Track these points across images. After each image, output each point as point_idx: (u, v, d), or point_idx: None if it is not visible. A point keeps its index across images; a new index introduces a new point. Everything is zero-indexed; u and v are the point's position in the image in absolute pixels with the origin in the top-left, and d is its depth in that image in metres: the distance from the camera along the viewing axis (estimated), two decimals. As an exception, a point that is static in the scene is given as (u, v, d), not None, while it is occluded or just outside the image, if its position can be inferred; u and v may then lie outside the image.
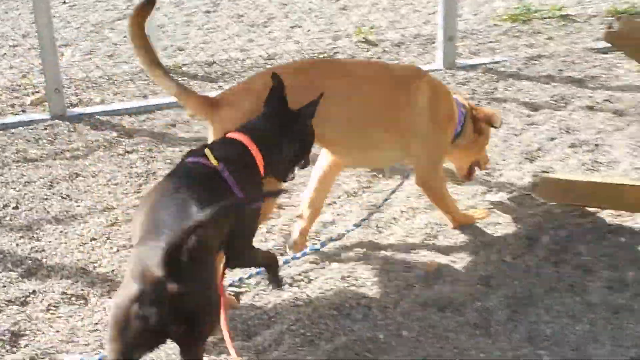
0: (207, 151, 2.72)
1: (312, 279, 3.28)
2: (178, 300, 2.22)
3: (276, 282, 2.91)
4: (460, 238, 3.48)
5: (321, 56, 5.76)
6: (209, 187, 2.59)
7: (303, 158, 3.00)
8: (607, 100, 4.75)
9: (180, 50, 6.22)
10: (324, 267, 3.36)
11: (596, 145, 4.21)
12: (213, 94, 5.08)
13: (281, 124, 2.89)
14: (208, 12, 7.18)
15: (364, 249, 3.45)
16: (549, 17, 6.24)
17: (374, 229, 3.60)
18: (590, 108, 4.66)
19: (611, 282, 3.11)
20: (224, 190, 2.63)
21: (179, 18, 7.04)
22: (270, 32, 6.53)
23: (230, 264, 2.78)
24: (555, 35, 5.91)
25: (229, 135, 2.84)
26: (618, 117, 4.51)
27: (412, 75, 3.39)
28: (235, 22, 6.85)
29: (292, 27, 6.59)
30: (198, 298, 2.31)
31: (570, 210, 3.58)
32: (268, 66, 5.60)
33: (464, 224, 3.55)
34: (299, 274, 3.30)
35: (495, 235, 3.48)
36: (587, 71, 5.18)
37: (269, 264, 2.88)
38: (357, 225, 3.57)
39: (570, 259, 3.26)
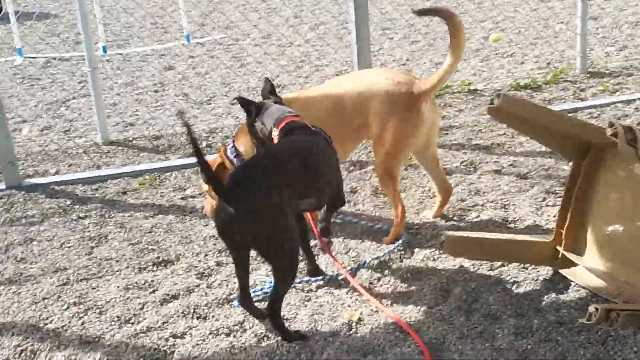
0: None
1: (246, 329, 3.25)
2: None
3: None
4: (380, 290, 3.51)
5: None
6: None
7: None
8: (511, 165, 4.86)
9: (131, 126, 6.22)
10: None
11: (503, 205, 4.29)
12: (160, 164, 5.15)
13: None
14: (156, 91, 7.22)
15: (295, 299, 3.45)
16: (459, 92, 6.42)
17: (305, 282, 3.60)
18: (497, 172, 4.77)
19: (518, 328, 3.12)
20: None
21: (130, 97, 7.06)
22: (212, 109, 6.58)
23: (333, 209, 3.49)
24: (464, 108, 6.08)
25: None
26: (522, 180, 4.62)
27: None
28: (181, 100, 6.89)
29: (232, 104, 6.66)
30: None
31: (480, 264, 3.63)
32: (210, 139, 5.64)
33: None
34: (235, 324, 3.28)
35: (412, 287, 3.51)
36: (494, 139, 5.31)
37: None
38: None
39: (480, 308, 3.28)
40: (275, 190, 2.99)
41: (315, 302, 3.44)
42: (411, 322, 3.22)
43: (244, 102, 3.49)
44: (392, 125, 3.80)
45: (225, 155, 3.86)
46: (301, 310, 3.37)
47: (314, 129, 3.37)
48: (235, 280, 3.43)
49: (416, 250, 3.85)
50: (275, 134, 3.35)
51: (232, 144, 3.89)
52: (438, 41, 8.26)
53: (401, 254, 3.80)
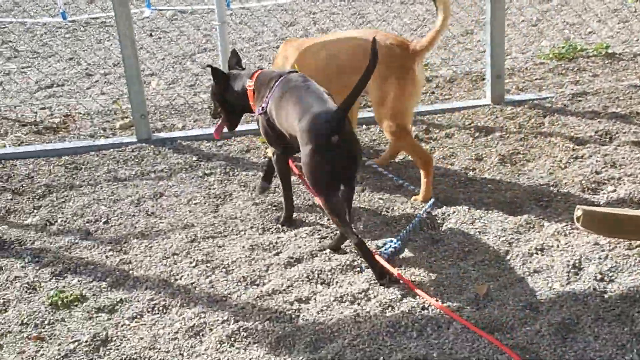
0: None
1: (371, 297, 3.24)
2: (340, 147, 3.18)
3: None
4: (509, 264, 3.41)
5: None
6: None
7: None
8: (652, 136, 4.59)
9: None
10: (382, 286, 3.32)
11: (642, 179, 4.06)
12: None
13: None
14: (278, 47, 7.22)
15: (420, 270, 3.40)
16: (594, 56, 6.09)
17: (428, 251, 3.55)
18: (636, 143, 4.50)
19: (660, 314, 2.96)
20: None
21: (253, 52, 7.11)
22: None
23: None
24: (600, 73, 5.77)
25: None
26: (664, 153, 4.35)
27: None
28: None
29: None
30: (352, 146, 3.26)
31: (617, 242, 3.46)
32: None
33: None
34: (360, 292, 3.26)
35: (542, 263, 3.38)
36: (633, 107, 5.02)
37: None
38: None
39: (617, 289, 3.12)
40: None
41: (441, 273, 3.38)
42: (540, 300, 3.11)
43: (214, 71, 3.80)
44: (392, 85, 3.90)
45: None
46: (426, 281, 3.31)
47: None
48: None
49: (546, 224, 3.70)
50: (250, 83, 3.72)
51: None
52: (571, 0, 7.85)
53: (530, 227, 3.68)
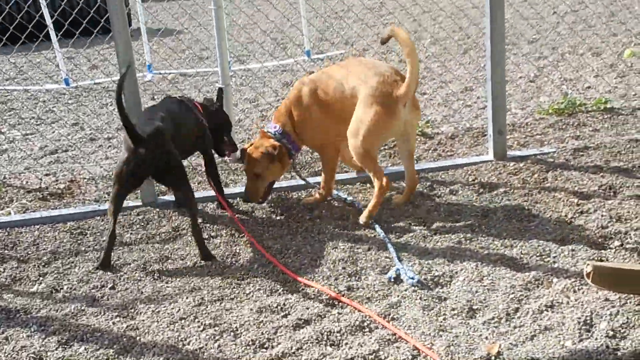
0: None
1: (382, 358, 3.21)
2: (145, 157, 4.10)
3: None
4: (519, 322, 3.39)
5: (384, 148, 5.75)
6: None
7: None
8: (656, 189, 4.60)
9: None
10: (393, 345, 3.29)
11: (649, 233, 4.05)
12: (285, 183, 5.17)
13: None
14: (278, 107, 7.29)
15: (429, 329, 3.38)
16: (594, 110, 6.15)
17: (436, 310, 3.53)
18: (640, 197, 4.52)
19: (671, 368, 2.95)
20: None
21: (255, 112, 7.18)
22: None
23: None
24: (600, 127, 5.82)
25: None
26: (669, 206, 4.35)
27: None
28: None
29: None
30: (157, 157, 4.15)
31: (627, 297, 3.44)
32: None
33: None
34: (370, 353, 3.23)
35: (553, 320, 3.36)
36: (635, 161, 5.04)
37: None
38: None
39: (630, 345, 3.10)
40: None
41: (450, 332, 3.36)
42: (554, 358, 3.08)
43: None
44: (369, 118, 4.39)
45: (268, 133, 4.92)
46: (436, 340, 3.29)
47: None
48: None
49: (554, 280, 3.69)
50: None
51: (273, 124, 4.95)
52: (567, 56, 7.98)
53: (538, 283, 3.67)
